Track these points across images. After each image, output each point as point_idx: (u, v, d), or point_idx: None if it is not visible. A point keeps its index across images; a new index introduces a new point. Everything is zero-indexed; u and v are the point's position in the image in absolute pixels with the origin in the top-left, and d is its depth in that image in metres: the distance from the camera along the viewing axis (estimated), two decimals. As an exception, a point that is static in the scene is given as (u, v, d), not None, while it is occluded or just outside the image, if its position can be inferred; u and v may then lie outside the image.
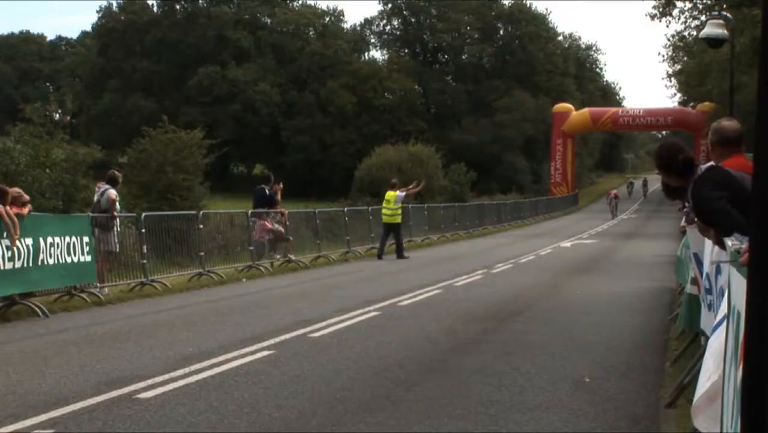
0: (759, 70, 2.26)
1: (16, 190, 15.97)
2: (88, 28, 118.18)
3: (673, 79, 65.07)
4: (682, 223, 14.79)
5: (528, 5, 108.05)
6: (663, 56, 77.95)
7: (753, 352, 2.19)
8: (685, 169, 7.10)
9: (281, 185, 26.43)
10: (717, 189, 5.95)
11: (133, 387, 9.22)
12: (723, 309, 4.94)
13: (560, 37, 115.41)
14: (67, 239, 16.43)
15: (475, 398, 8.82)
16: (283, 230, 25.47)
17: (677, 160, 7.14)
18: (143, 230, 19.91)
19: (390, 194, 29.79)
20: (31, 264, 15.17)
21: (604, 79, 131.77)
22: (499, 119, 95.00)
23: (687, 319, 10.68)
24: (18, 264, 14.84)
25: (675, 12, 41.38)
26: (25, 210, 15.47)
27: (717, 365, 4.70)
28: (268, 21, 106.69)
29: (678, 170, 7.17)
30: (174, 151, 37.65)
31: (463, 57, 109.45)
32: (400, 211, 29.66)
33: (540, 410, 8.34)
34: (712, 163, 6.90)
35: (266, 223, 24.75)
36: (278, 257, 25.56)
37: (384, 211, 29.92)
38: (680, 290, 15.14)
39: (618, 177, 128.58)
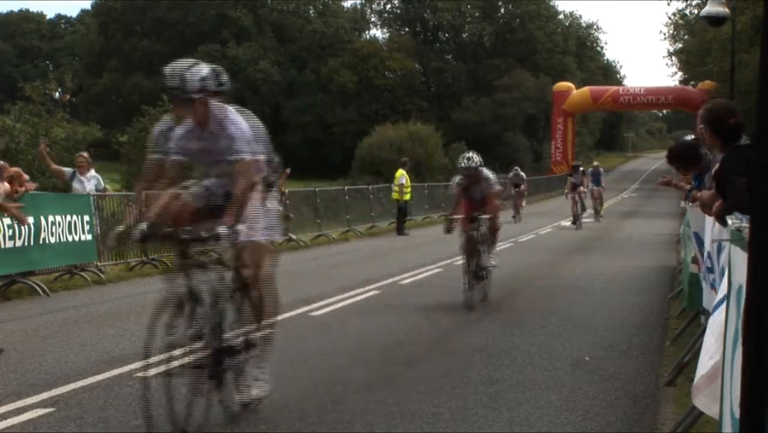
0: (760, 63, 2.25)
1: (15, 170, 15.99)
2: (88, 7, 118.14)
3: (673, 57, 64.95)
4: (682, 203, 14.80)
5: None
6: (664, 35, 77.95)
7: (753, 330, 2.19)
8: (731, 134, 6.92)
9: (287, 170, 26.40)
10: (748, 168, 5.88)
11: (133, 366, 9.21)
12: (723, 288, 4.93)
13: (561, 16, 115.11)
14: (68, 217, 16.43)
15: (475, 376, 8.84)
16: (281, 208, 25.45)
17: (727, 122, 6.96)
18: (143, 209, 19.87)
19: (398, 172, 31.78)
20: (32, 243, 15.18)
21: (605, 58, 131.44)
22: (499, 98, 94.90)
23: (689, 297, 10.70)
24: (19, 243, 14.85)
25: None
26: (31, 186, 15.52)
27: (719, 345, 4.70)
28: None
29: (723, 133, 6.98)
30: (174, 130, 37.65)
31: (464, 36, 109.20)
32: (407, 190, 30.96)
33: (539, 388, 8.36)
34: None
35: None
36: (278, 236, 25.56)
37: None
38: (680, 268, 15.16)
39: (618, 156, 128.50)
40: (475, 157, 14.08)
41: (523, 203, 40.63)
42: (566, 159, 79.81)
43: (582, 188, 34.94)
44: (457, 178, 14.46)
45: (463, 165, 14.03)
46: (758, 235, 2.18)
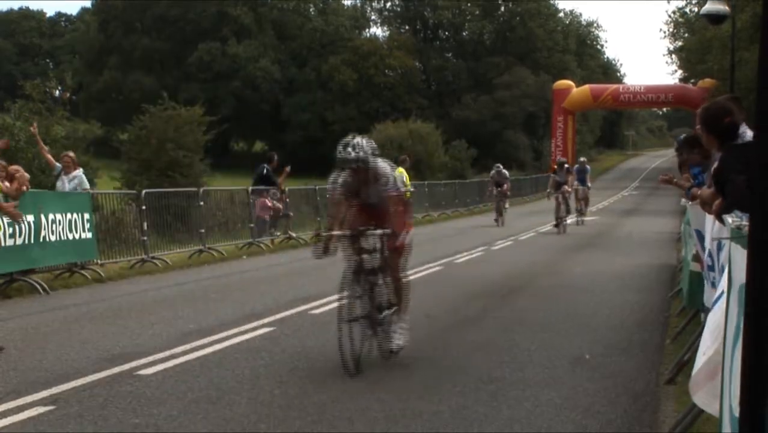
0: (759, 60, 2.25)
1: (15, 168, 15.99)
2: (88, 5, 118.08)
3: (673, 55, 65.02)
4: (683, 201, 14.76)
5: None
6: (664, 33, 78.02)
7: (753, 329, 2.19)
8: (727, 133, 6.92)
9: (287, 168, 26.44)
10: (747, 166, 5.88)
11: (134, 364, 9.24)
12: (722, 285, 4.94)
13: (561, 14, 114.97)
14: (69, 215, 16.45)
15: (475, 374, 8.84)
16: (281, 206, 25.52)
17: (722, 121, 6.97)
18: (143, 207, 19.92)
19: (397, 171, 30.01)
20: (32, 241, 15.18)
21: (605, 56, 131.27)
22: (499, 96, 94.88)
23: (689, 296, 10.66)
24: (19, 241, 14.85)
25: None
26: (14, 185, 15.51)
27: (713, 341, 4.71)
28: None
29: (719, 133, 6.99)
30: (174, 128, 37.61)
31: (464, 34, 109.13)
32: (407, 189, 29.69)
33: (540, 386, 8.36)
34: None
35: (266, 200, 24.77)
36: (278, 233, 25.60)
37: None
38: (680, 267, 15.15)
39: (619, 154, 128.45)
40: (364, 143, 9.42)
41: (506, 205, 36.33)
42: (566, 157, 79.82)
43: (566, 187, 31.96)
44: (340, 177, 9.77)
45: (343, 155, 9.37)
46: (758, 233, 2.19)
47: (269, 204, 24.81)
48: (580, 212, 35.31)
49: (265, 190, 24.96)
